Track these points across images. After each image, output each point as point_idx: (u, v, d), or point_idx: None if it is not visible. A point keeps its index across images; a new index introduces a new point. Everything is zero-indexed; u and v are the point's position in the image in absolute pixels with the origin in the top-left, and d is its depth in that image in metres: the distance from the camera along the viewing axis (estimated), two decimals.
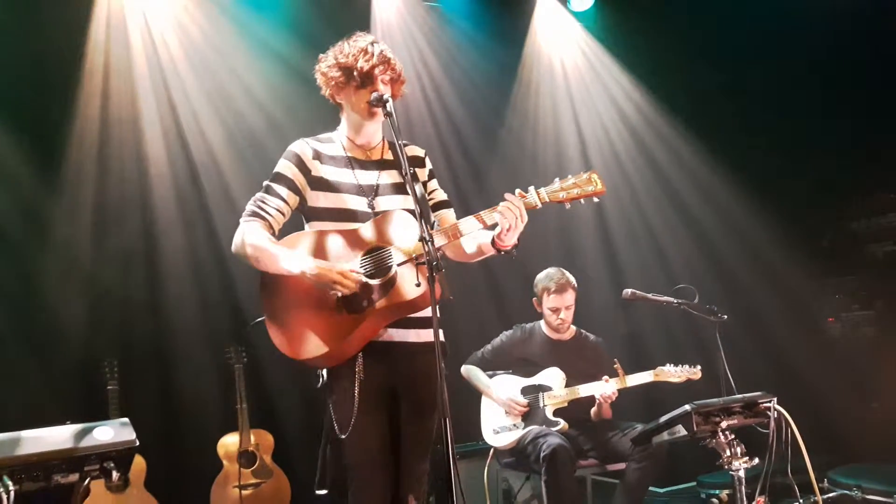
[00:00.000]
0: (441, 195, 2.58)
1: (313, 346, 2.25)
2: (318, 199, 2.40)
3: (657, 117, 5.56)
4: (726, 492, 4.06)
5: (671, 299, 3.85)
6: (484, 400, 3.97)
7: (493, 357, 4.02)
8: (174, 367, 4.30)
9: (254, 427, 4.20)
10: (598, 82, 5.67)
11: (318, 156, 2.42)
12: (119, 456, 2.02)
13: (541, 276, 4.01)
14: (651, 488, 4.17)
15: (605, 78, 5.67)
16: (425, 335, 2.36)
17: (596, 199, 2.39)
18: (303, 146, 2.43)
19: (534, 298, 4.03)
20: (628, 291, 3.91)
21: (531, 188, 2.34)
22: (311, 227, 2.42)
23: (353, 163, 2.44)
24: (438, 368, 2.02)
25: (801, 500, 3.12)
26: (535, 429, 3.73)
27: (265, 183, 2.42)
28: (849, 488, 3.85)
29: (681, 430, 2.85)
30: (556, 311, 3.92)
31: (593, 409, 3.84)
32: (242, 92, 4.60)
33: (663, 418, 2.93)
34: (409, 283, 2.22)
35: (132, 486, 3.80)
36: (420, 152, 2.56)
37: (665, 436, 2.93)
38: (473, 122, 5.36)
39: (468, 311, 4.82)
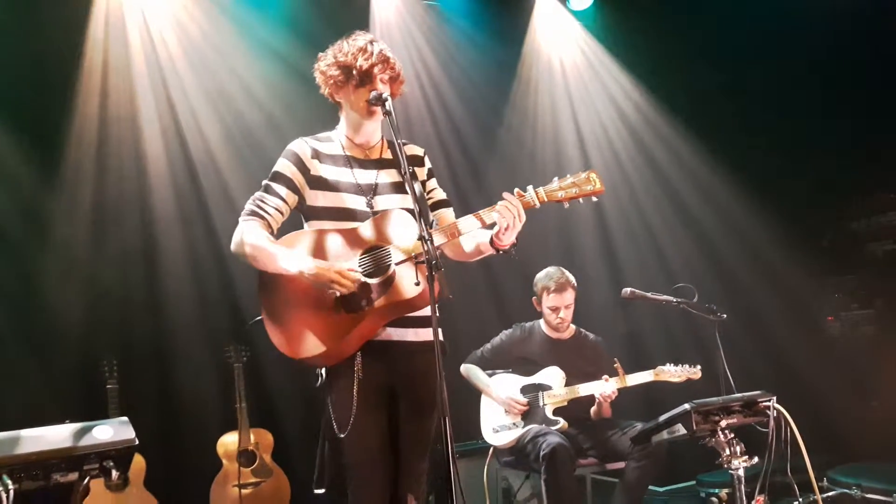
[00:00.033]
0: (440, 194, 2.58)
1: (311, 345, 2.25)
2: (317, 199, 2.40)
3: (657, 116, 5.56)
4: (726, 491, 4.06)
5: (670, 298, 3.85)
6: (483, 399, 3.97)
7: (493, 356, 4.03)
8: (174, 365, 4.30)
9: (253, 426, 4.20)
10: (598, 81, 5.67)
11: (316, 155, 2.41)
12: (118, 455, 2.01)
13: (540, 275, 4.01)
14: (650, 487, 4.17)
15: (605, 77, 5.67)
16: (424, 334, 2.36)
17: (595, 199, 2.39)
18: (301, 145, 2.43)
19: (533, 297, 4.03)
20: (627, 290, 3.91)
21: (529, 187, 2.34)
22: (309, 227, 2.42)
23: (351, 162, 2.44)
24: (438, 367, 2.02)
25: (800, 499, 3.13)
26: (534, 427, 3.73)
27: (264, 182, 2.42)
28: (848, 487, 3.85)
29: (680, 429, 2.85)
30: (555, 310, 3.92)
31: (593, 408, 3.84)
32: (241, 90, 4.59)
33: (663, 417, 2.93)
34: (408, 282, 2.22)
35: (132, 485, 3.81)
36: (419, 151, 2.56)
37: (664, 435, 2.93)
38: (472, 120, 5.36)
39: (468, 310, 4.82)
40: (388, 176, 2.45)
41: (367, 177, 2.43)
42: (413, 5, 5.20)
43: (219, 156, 4.52)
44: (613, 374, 3.74)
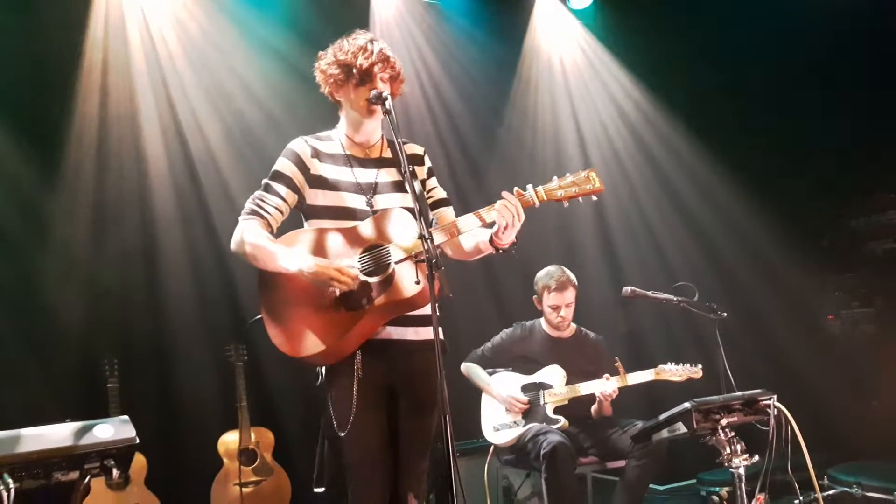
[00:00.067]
0: (440, 193, 2.58)
1: (311, 344, 2.25)
2: (317, 198, 2.40)
3: (657, 115, 5.56)
4: (726, 489, 4.06)
5: (671, 297, 3.84)
6: (484, 397, 3.97)
7: (494, 355, 4.03)
8: (174, 365, 4.31)
9: (254, 425, 4.20)
10: (598, 80, 5.68)
11: (316, 154, 2.41)
12: (119, 454, 2.01)
13: (541, 273, 4.01)
14: (651, 486, 4.17)
15: (605, 76, 5.67)
16: (424, 333, 2.36)
17: (594, 198, 2.39)
18: (301, 145, 2.43)
19: (534, 296, 4.03)
20: (628, 289, 3.91)
21: (529, 186, 2.34)
22: (309, 226, 2.42)
23: (351, 161, 2.44)
24: (438, 366, 2.02)
25: (800, 498, 3.12)
26: (535, 426, 3.73)
27: (264, 181, 2.42)
28: (849, 485, 3.85)
29: (681, 428, 2.85)
30: (556, 308, 3.92)
31: (594, 407, 3.84)
32: (241, 89, 4.60)
33: (663, 416, 2.93)
34: (408, 281, 2.22)
35: (133, 484, 3.81)
36: (419, 150, 2.56)
37: (665, 433, 2.93)
38: (472, 119, 5.36)
39: (468, 308, 4.82)
40: (388, 175, 2.45)
41: (366, 176, 2.43)
42: (413, 4, 5.20)
43: (219, 155, 4.52)
44: (614, 372, 3.75)
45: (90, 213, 4.23)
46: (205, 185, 4.49)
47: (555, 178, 2.37)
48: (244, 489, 4.06)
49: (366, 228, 2.33)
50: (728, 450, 2.83)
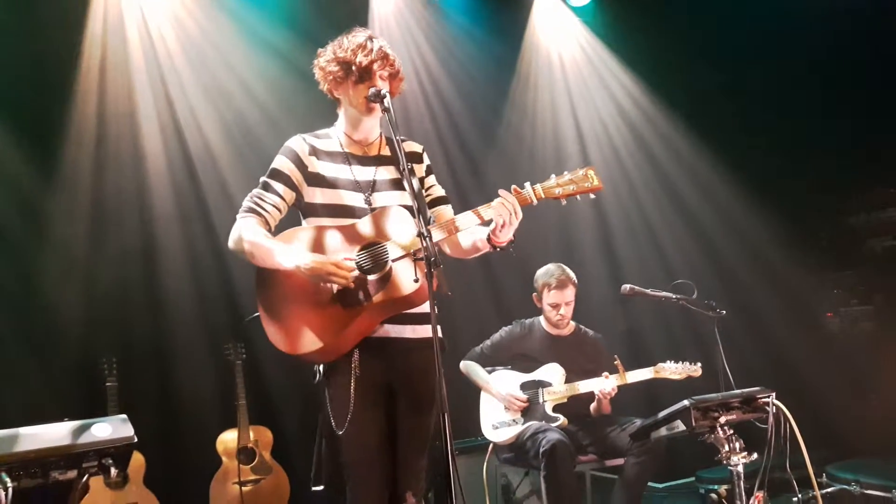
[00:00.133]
0: (439, 191, 2.57)
1: (308, 341, 2.25)
2: (315, 196, 2.39)
3: (656, 114, 5.56)
4: (725, 487, 4.05)
5: (670, 295, 3.84)
6: (483, 395, 3.97)
7: (493, 353, 4.03)
8: (173, 363, 4.30)
9: (253, 423, 4.20)
10: (597, 77, 5.67)
11: (314, 152, 2.41)
12: (117, 452, 2.01)
13: (541, 271, 4.01)
14: (650, 483, 4.17)
15: (604, 73, 5.66)
16: (422, 331, 2.36)
17: (592, 196, 2.38)
18: (299, 142, 2.42)
19: (534, 294, 4.03)
20: (627, 287, 3.91)
21: (527, 184, 2.34)
22: (308, 223, 2.42)
23: (350, 159, 2.43)
24: (437, 364, 2.01)
25: (799, 495, 3.13)
26: (534, 424, 3.73)
27: (262, 179, 2.41)
28: (847, 483, 3.85)
29: (679, 426, 2.85)
30: (556, 306, 3.92)
31: (593, 405, 3.84)
32: (240, 87, 4.59)
33: (662, 414, 2.93)
34: (407, 279, 2.22)
35: (131, 483, 3.81)
36: (418, 148, 2.55)
37: (664, 431, 2.93)
38: (471, 116, 5.35)
39: (467, 306, 4.82)
40: (386, 172, 2.44)
41: (365, 173, 2.42)
42: (412, 1, 5.19)
43: (217, 153, 4.51)
44: (613, 370, 3.75)
45: (89, 211, 4.22)
46: (203, 182, 4.48)
47: (553, 176, 2.36)
48: (243, 488, 4.06)
49: (364, 226, 2.32)
50: (727, 447, 2.83)
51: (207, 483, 4.09)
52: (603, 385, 3.72)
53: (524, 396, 3.83)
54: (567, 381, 3.83)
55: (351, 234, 2.32)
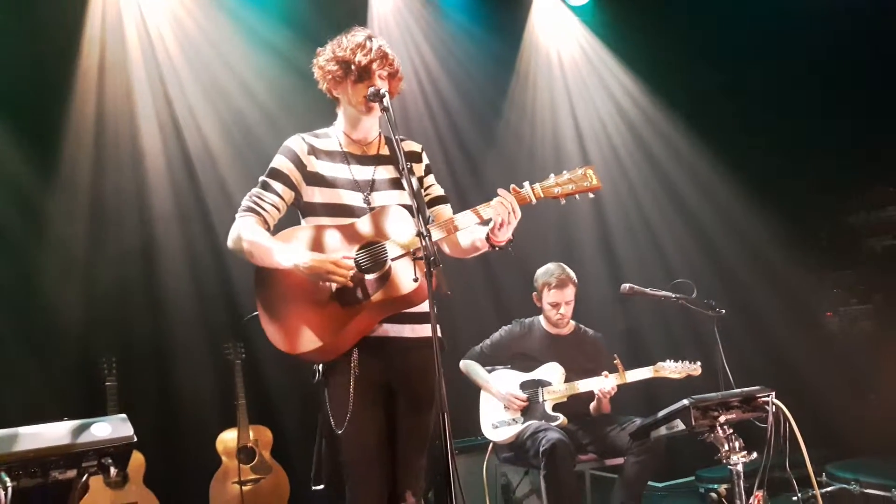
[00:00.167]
0: (438, 190, 2.57)
1: (307, 340, 2.24)
2: (314, 195, 2.39)
3: (656, 113, 5.56)
4: (725, 486, 4.06)
5: (669, 294, 3.84)
6: (483, 395, 3.97)
7: (492, 352, 4.03)
8: (173, 363, 4.30)
9: (253, 423, 4.20)
10: (596, 76, 5.67)
11: (313, 151, 2.41)
12: (117, 452, 2.01)
13: (541, 271, 4.01)
14: (650, 483, 4.17)
15: (603, 73, 5.66)
16: (420, 330, 2.35)
17: (591, 196, 2.38)
18: (298, 142, 2.42)
19: (534, 293, 4.03)
20: (626, 286, 3.91)
21: (526, 184, 2.34)
22: (307, 223, 2.42)
23: (348, 158, 2.43)
24: (437, 363, 2.01)
25: (799, 494, 3.12)
26: (534, 423, 3.73)
27: (261, 178, 2.41)
28: (847, 482, 3.86)
29: (679, 425, 2.85)
30: (556, 306, 3.92)
31: (592, 404, 3.84)
32: (239, 86, 4.59)
33: (662, 413, 2.93)
34: (405, 278, 2.22)
35: (131, 483, 3.80)
36: (417, 147, 2.55)
37: (663, 430, 2.93)
38: (470, 116, 5.35)
39: (467, 306, 4.82)
40: (385, 172, 2.44)
41: (364, 173, 2.42)
42: (411, 0, 5.18)
43: (216, 152, 4.51)
44: (613, 370, 3.75)
45: (88, 211, 4.22)
46: (202, 182, 4.48)
47: (552, 175, 2.36)
48: (243, 487, 4.06)
49: (363, 225, 2.32)
50: (726, 447, 2.83)
51: (207, 482, 4.09)
52: (602, 384, 3.72)
53: (524, 396, 3.83)
54: (567, 380, 3.83)
55: (350, 234, 2.32)
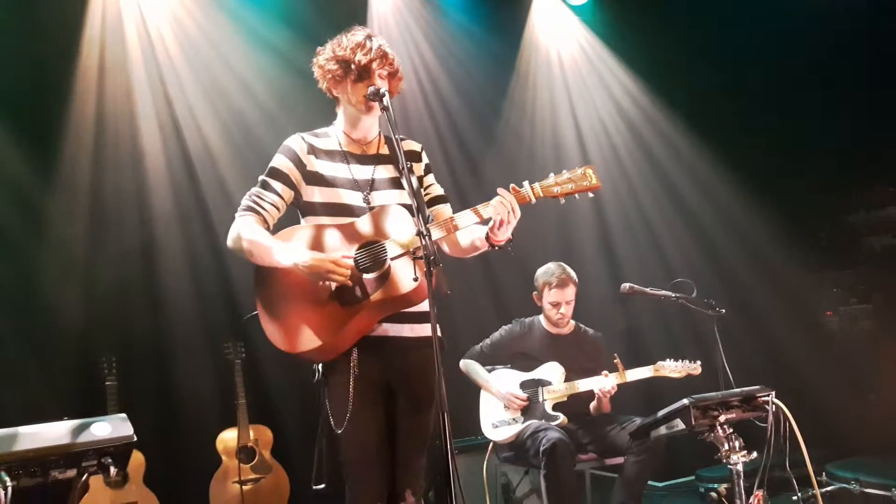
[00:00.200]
0: (437, 190, 2.57)
1: (307, 340, 2.25)
2: (314, 194, 2.39)
3: (656, 113, 5.56)
4: (725, 486, 4.05)
5: (669, 293, 3.84)
6: (483, 394, 3.97)
7: (492, 351, 4.03)
8: (173, 362, 4.30)
9: (253, 422, 4.20)
10: (596, 76, 5.67)
11: (313, 150, 2.41)
12: (117, 451, 2.01)
13: (541, 270, 4.01)
14: (650, 482, 4.17)
15: (603, 72, 5.66)
16: (420, 330, 2.36)
17: (591, 195, 2.38)
18: (298, 141, 2.42)
19: (534, 293, 4.03)
20: (626, 286, 3.91)
21: (525, 183, 2.34)
22: (306, 222, 2.42)
23: (348, 157, 2.43)
24: (437, 363, 2.01)
25: (799, 494, 3.13)
26: (534, 423, 3.73)
27: (260, 178, 2.41)
28: (847, 482, 3.86)
29: (679, 424, 2.85)
30: (556, 305, 3.92)
31: (592, 404, 3.84)
32: (238, 86, 4.58)
33: (662, 412, 2.93)
34: (406, 277, 2.22)
35: (131, 482, 3.81)
36: (416, 147, 2.55)
37: (663, 430, 2.93)
38: (470, 115, 5.35)
39: (467, 306, 4.82)
40: (385, 171, 2.44)
41: (363, 172, 2.42)
42: None
43: (216, 151, 4.51)
44: (613, 369, 3.75)
45: (88, 211, 4.22)
46: (202, 181, 4.48)
47: (551, 174, 2.36)
48: (243, 487, 4.06)
49: (363, 225, 2.32)
50: (726, 446, 2.83)
51: (207, 482, 4.09)
52: (603, 383, 3.72)
53: (524, 395, 3.83)
54: (567, 379, 3.83)
55: (350, 233, 2.32)
